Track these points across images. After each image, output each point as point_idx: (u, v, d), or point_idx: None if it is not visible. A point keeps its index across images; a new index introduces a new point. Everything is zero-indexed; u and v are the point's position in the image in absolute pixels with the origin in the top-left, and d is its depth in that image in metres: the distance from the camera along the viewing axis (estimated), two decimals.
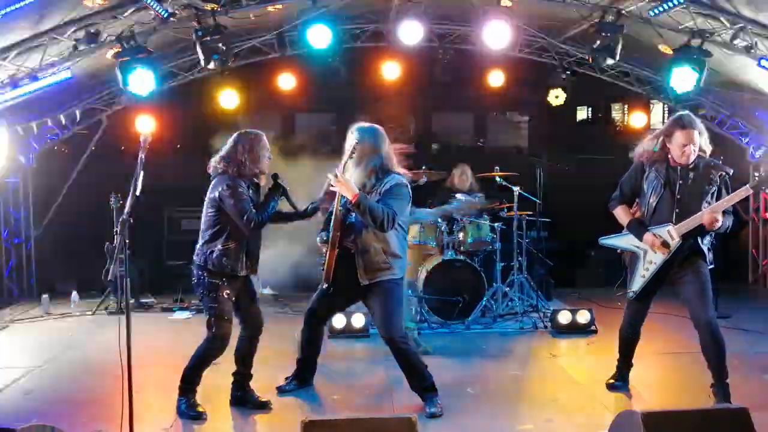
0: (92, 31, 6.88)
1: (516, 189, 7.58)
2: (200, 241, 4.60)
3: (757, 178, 4.44)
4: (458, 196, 7.37)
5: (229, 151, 4.58)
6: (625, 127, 11.59)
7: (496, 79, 9.58)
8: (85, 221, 9.27)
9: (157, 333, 7.24)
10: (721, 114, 9.38)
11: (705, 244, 4.66)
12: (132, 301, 5.20)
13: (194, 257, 4.60)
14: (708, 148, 4.67)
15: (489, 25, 7.58)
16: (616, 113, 12.67)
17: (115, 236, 3.70)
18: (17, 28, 6.50)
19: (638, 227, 4.73)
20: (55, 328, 7.56)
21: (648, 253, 4.72)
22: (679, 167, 4.62)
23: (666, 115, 12.13)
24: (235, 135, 4.65)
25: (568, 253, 9.66)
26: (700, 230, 4.55)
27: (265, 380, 5.11)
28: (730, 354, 4.65)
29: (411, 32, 7.75)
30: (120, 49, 7.12)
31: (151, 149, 3.91)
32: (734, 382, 4.56)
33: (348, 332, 6.74)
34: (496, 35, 7.63)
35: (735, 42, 7.09)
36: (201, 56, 7.45)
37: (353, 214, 4.51)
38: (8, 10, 5.88)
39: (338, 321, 6.75)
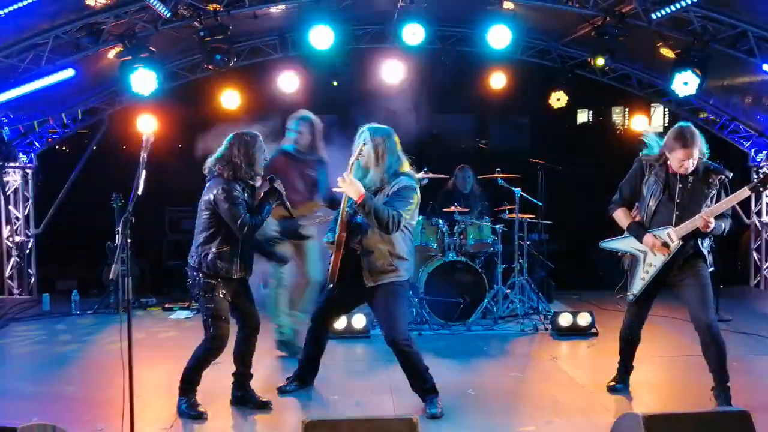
0: (94, 30, 6.89)
1: (518, 191, 7.59)
2: (194, 243, 4.57)
3: (755, 180, 4.44)
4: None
5: (225, 152, 4.53)
6: (625, 130, 11.60)
7: (497, 81, 9.59)
8: (86, 221, 9.28)
9: (158, 332, 7.24)
10: (723, 118, 9.38)
11: (705, 246, 4.67)
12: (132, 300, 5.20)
13: (188, 259, 4.59)
14: (706, 152, 4.67)
15: (491, 27, 7.59)
16: (616, 116, 12.67)
17: (117, 235, 3.70)
18: (19, 25, 6.51)
19: (638, 229, 4.74)
20: (55, 327, 7.56)
21: (648, 256, 4.72)
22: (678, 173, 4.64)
23: (667, 118, 12.15)
24: (230, 136, 4.60)
25: (569, 255, 9.66)
26: (700, 232, 4.56)
27: (265, 380, 5.12)
28: (731, 357, 4.65)
29: (414, 34, 7.75)
30: (122, 49, 7.13)
31: (153, 149, 3.92)
32: (735, 385, 4.56)
33: (349, 333, 6.74)
34: (498, 37, 7.64)
35: (737, 45, 7.10)
36: (203, 56, 7.46)
37: (360, 215, 4.49)
38: (11, 9, 5.89)
39: (339, 322, 6.74)
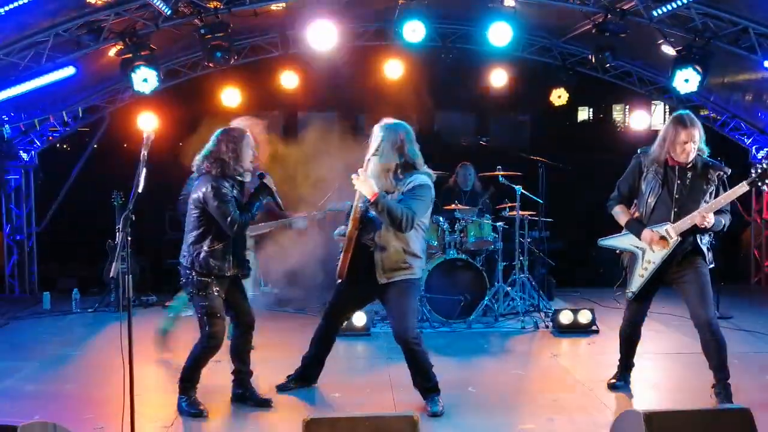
0: (95, 27, 6.89)
1: (518, 188, 7.58)
2: (185, 243, 4.55)
3: (753, 175, 4.43)
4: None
5: (212, 149, 4.49)
6: (626, 127, 11.58)
7: (498, 78, 9.59)
8: (86, 219, 9.28)
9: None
10: (724, 115, 9.38)
11: (704, 243, 4.66)
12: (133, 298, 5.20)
13: (180, 258, 4.58)
14: (706, 149, 4.66)
15: (492, 24, 7.59)
16: (617, 114, 12.65)
17: (117, 233, 3.70)
18: (20, 23, 6.51)
19: (637, 226, 4.73)
20: (56, 325, 7.56)
21: (646, 253, 4.72)
22: (677, 167, 4.61)
23: (667, 116, 12.13)
24: (218, 132, 4.56)
25: (570, 252, 9.66)
26: (699, 229, 4.55)
27: (265, 378, 5.11)
28: (732, 354, 4.65)
29: (414, 31, 7.74)
30: (123, 46, 7.12)
31: (153, 147, 3.91)
32: (736, 382, 4.56)
33: (349, 331, 6.74)
34: (499, 34, 7.63)
35: (738, 42, 7.09)
36: (203, 54, 7.45)
37: (372, 212, 4.45)
38: (11, 6, 5.89)
39: None
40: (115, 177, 7.79)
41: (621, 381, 5.10)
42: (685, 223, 4.52)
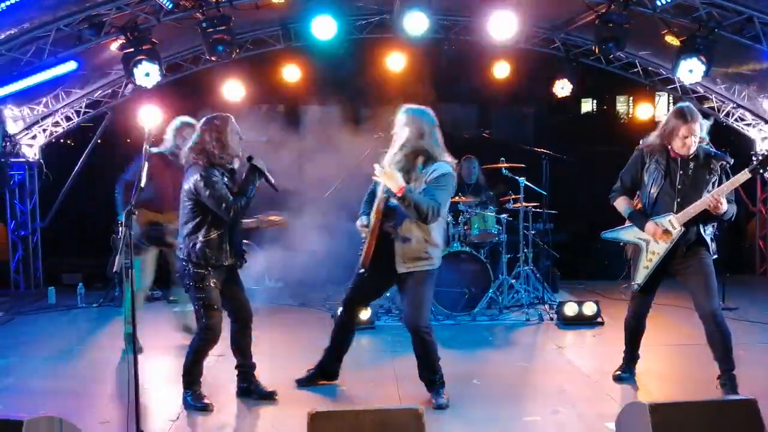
0: (96, 22, 6.88)
1: (522, 180, 7.56)
2: (181, 235, 4.53)
3: (755, 162, 4.41)
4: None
5: (196, 140, 4.46)
6: (630, 119, 11.55)
7: (501, 70, 9.56)
8: (90, 213, 9.28)
9: (163, 325, 7.24)
10: (729, 105, 9.34)
11: (708, 234, 4.64)
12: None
13: (176, 251, 4.56)
14: (707, 138, 4.65)
15: (494, 16, 7.55)
16: (621, 105, 12.62)
17: (120, 228, 3.69)
18: (21, 18, 6.51)
19: (640, 218, 4.72)
20: (61, 320, 7.58)
21: (650, 245, 4.70)
22: (679, 158, 4.60)
23: (671, 107, 12.09)
24: (201, 122, 4.53)
25: (574, 244, 9.64)
26: (703, 218, 4.53)
27: (269, 372, 5.11)
28: (738, 345, 4.64)
29: (416, 23, 7.71)
30: (124, 41, 7.11)
31: (156, 142, 3.91)
32: (742, 373, 4.55)
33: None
34: (502, 26, 7.60)
35: (743, 32, 7.05)
36: (205, 47, 7.44)
37: (394, 200, 4.39)
38: (12, 1, 5.88)
39: None
40: (119, 171, 7.78)
41: (626, 372, 5.09)
42: (689, 213, 4.49)
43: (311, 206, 7.90)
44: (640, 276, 4.76)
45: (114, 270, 3.74)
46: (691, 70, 7.38)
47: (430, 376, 4.65)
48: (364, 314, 6.74)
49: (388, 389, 4.98)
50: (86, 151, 9.49)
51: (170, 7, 6.82)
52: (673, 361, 5.81)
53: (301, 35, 8.77)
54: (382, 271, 4.59)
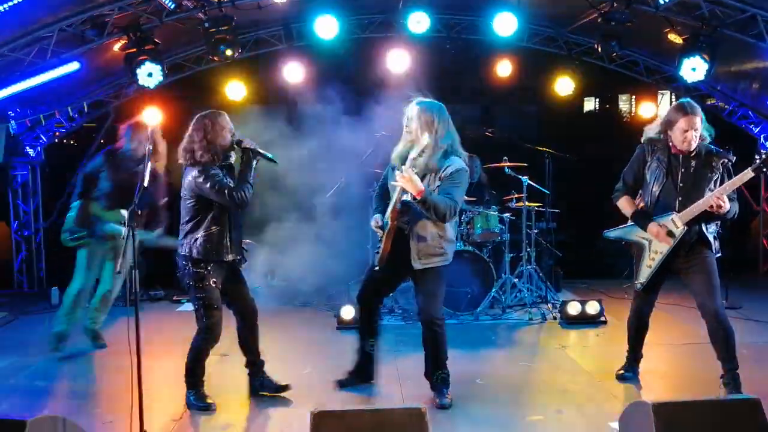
0: (99, 22, 6.89)
1: (525, 179, 7.55)
2: (182, 233, 4.53)
3: (758, 161, 4.40)
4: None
5: (188, 141, 4.48)
6: (632, 117, 11.52)
7: (504, 69, 9.54)
8: None
9: (166, 325, 7.26)
10: (731, 104, 9.32)
11: (711, 232, 4.63)
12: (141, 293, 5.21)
13: (178, 249, 4.55)
14: (708, 136, 4.63)
15: (497, 15, 7.56)
16: (623, 104, 12.58)
17: (123, 228, 3.70)
18: (24, 18, 6.51)
19: (642, 218, 4.71)
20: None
21: (653, 243, 4.69)
22: (681, 155, 4.59)
23: None
24: (193, 121, 4.54)
25: (577, 243, 9.62)
26: (705, 217, 4.52)
27: (271, 372, 5.09)
28: (741, 344, 4.63)
29: (419, 22, 7.71)
30: (127, 41, 7.12)
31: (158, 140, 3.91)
32: (745, 372, 4.54)
33: (357, 324, 6.70)
34: (504, 24, 7.60)
35: (746, 30, 7.03)
36: (207, 48, 7.44)
37: (408, 194, 4.38)
38: (15, 2, 5.89)
39: (346, 313, 6.75)
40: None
41: (629, 372, 5.09)
42: (692, 211, 4.48)
43: (313, 205, 7.92)
44: (643, 275, 4.76)
45: (117, 270, 3.74)
46: (694, 69, 7.37)
47: (438, 372, 4.63)
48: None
49: (391, 389, 4.98)
50: (89, 152, 9.48)
51: (172, 7, 6.83)
52: (677, 361, 5.80)
53: (304, 35, 8.77)
54: (395, 266, 4.61)
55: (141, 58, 7.22)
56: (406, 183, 4.29)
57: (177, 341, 6.18)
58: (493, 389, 4.99)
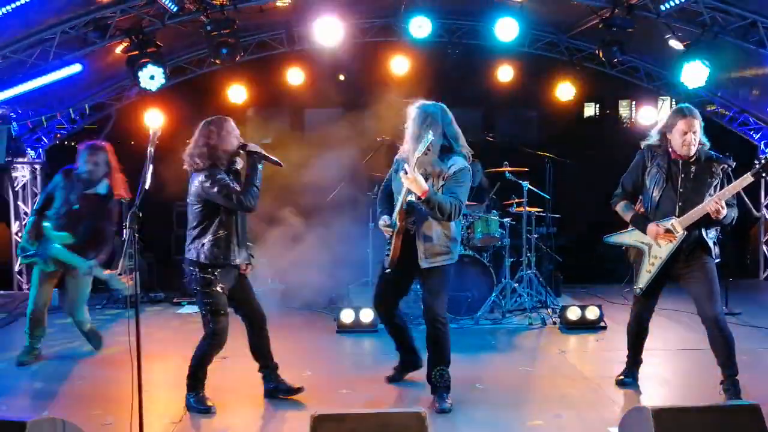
0: (101, 24, 6.90)
1: (525, 184, 7.56)
2: (189, 238, 4.55)
3: (757, 166, 4.41)
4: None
5: (194, 147, 4.49)
6: (632, 123, 11.53)
7: (505, 74, 9.57)
8: None
9: (166, 327, 7.26)
10: (732, 110, 9.33)
11: (710, 238, 4.63)
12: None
13: (186, 254, 4.57)
14: (707, 142, 4.64)
15: (499, 20, 7.57)
16: (624, 109, 12.58)
17: (124, 230, 3.70)
18: (26, 20, 6.53)
19: (642, 221, 4.72)
20: (64, 322, 7.57)
21: (653, 249, 4.70)
22: (680, 161, 4.60)
23: None
24: (199, 127, 4.54)
25: (577, 248, 9.63)
26: (705, 221, 4.52)
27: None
28: (741, 350, 4.63)
29: (420, 27, 7.72)
30: (129, 44, 7.14)
31: (160, 143, 3.92)
32: (745, 378, 4.54)
33: (356, 327, 6.75)
34: (506, 29, 7.61)
35: (747, 36, 7.05)
36: (210, 51, 7.46)
37: (413, 194, 4.42)
38: (17, 4, 5.90)
39: (346, 316, 6.76)
40: (123, 174, 7.80)
41: (629, 377, 5.08)
42: (692, 216, 4.49)
43: (314, 209, 7.92)
44: (643, 280, 4.76)
45: (117, 272, 3.75)
46: (694, 75, 7.38)
47: (439, 371, 4.63)
48: (367, 317, 6.75)
49: (392, 392, 4.98)
50: None
51: (175, 10, 6.84)
52: (676, 366, 5.80)
53: (306, 38, 8.79)
54: (404, 266, 4.66)
55: (143, 60, 7.24)
56: (411, 184, 4.33)
57: (177, 343, 6.20)
58: (492, 394, 4.99)
